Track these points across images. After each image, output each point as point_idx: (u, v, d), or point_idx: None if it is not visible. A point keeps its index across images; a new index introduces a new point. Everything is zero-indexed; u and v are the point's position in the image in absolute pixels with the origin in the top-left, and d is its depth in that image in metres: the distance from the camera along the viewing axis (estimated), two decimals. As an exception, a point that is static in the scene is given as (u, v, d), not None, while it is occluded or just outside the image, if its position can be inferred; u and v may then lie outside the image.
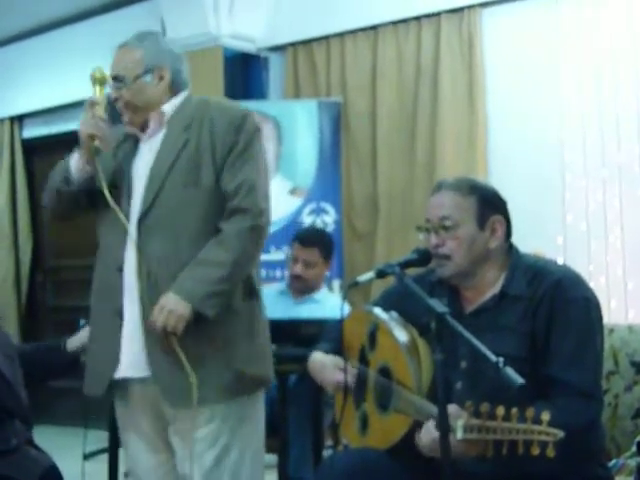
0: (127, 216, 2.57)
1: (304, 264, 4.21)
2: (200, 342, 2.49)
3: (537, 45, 4.85)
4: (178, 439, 2.58)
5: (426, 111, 5.22)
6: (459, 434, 1.98)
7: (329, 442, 3.95)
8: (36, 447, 2.91)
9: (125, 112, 2.65)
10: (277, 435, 3.52)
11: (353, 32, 5.51)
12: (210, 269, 2.47)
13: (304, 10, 5.69)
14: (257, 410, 2.66)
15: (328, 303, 4.18)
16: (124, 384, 2.59)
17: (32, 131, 7.25)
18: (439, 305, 2.07)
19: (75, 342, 2.99)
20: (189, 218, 2.54)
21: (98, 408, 3.15)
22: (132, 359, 2.54)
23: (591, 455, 2.25)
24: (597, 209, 4.62)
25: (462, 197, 2.34)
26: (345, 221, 5.41)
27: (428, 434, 2.10)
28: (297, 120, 5.32)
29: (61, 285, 7.19)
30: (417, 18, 5.25)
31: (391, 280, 2.38)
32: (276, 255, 4.94)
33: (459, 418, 2.00)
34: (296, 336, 3.45)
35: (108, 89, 2.66)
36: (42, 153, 7.28)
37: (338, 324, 2.54)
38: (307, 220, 5.21)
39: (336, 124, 5.35)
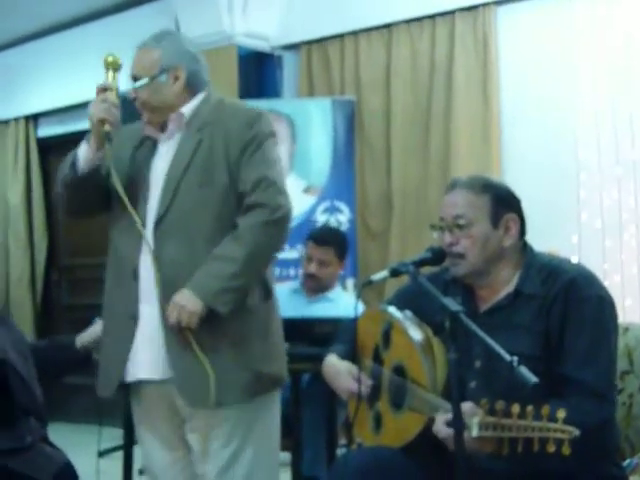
0: (143, 220, 2.57)
1: (318, 263, 4.21)
2: (218, 342, 2.50)
3: (551, 43, 4.84)
4: (194, 437, 2.59)
5: (440, 109, 5.21)
6: (474, 432, 1.98)
7: (342, 441, 3.95)
8: (51, 444, 2.92)
9: (143, 112, 2.66)
10: (291, 434, 3.52)
11: (367, 30, 5.50)
12: (223, 264, 2.48)
13: (318, 8, 5.69)
14: (273, 409, 2.67)
15: (342, 302, 4.18)
16: (140, 385, 2.60)
17: (47, 130, 7.28)
18: (453, 304, 2.07)
19: (85, 338, 3.00)
20: (204, 219, 2.54)
21: (113, 405, 3.16)
22: (150, 361, 2.55)
23: (605, 454, 2.25)
24: (612, 207, 4.61)
25: (476, 196, 2.34)
26: (359, 219, 5.40)
27: (441, 427, 2.10)
28: (311, 118, 5.32)
29: (76, 283, 7.22)
30: (431, 16, 5.24)
31: (405, 279, 2.38)
32: (290, 253, 4.94)
33: (474, 416, 1.99)
34: (310, 335, 3.45)
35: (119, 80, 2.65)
36: (57, 152, 7.29)
37: (352, 323, 2.54)
38: (321, 219, 5.21)
39: (350, 122, 5.34)
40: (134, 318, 2.55)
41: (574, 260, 2.90)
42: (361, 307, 2.76)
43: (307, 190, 5.23)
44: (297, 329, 3.45)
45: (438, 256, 2.37)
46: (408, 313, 2.44)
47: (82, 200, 2.69)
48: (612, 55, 4.60)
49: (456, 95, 5.13)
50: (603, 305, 2.23)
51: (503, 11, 5.04)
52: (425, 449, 2.24)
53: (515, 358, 1.92)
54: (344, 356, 2.56)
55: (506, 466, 2.10)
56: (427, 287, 2.21)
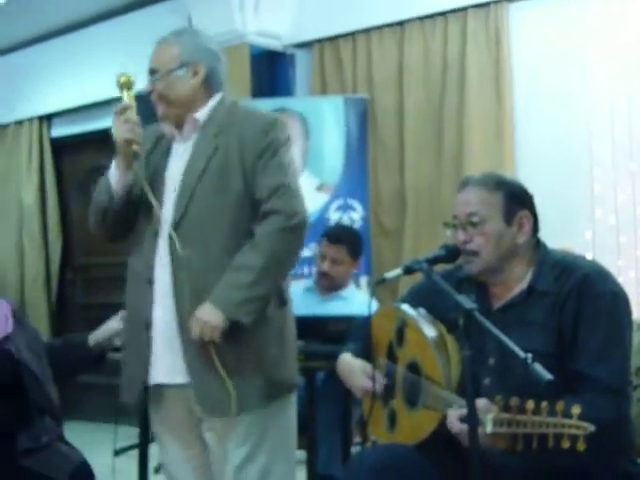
0: (159, 222, 2.58)
1: (331, 261, 4.20)
2: (235, 350, 2.51)
3: (564, 39, 4.82)
4: (210, 435, 2.61)
5: (453, 106, 5.21)
6: (489, 428, 1.98)
7: (357, 439, 3.95)
8: (67, 443, 2.94)
9: (158, 105, 2.65)
10: (306, 432, 3.52)
11: (379, 28, 5.50)
12: (242, 274, 2.48)
13: (330, 6, 5.69)
14: (289, 411, 2.68)
15: (355, 300, 4.17)
16: (158, 387, 2.61)
17: (60, 130, 7.30)
18: (467, 301, 2.07)
19: (99, 335, 3.01)
20: (219, 225, 2.55)
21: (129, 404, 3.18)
22: (168, 366, 2.56)
23: (620, 451, 2.24)
24: (626, 203, 4.59)
25: (489, 193, 2.34)
26: (372, 217, 5.40)
27: (454, 424, 2.10)
28: (324, 116, 5.32)
29: (91, 283, 7.25)
30: (443, 13, 5.23)
31: (419, 276, 2.38)
32: (303, 252, 4.95)
33: (489, 412, 2.00)
34: (324, 333, 3.45)
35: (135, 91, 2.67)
36: (71, 152, 7.34)
37: (366, 321, 2.55)
38: (334, 217, 5.21)
39: (363, 120, 5.34)
40: (148, 323, 2.57)
41: (588, 257, 2.89)
42: (375, 305, 2.76)
43: (320, 188, 5.23)
44: (311, 327, 3.45)
45: (452, 254, 2.38)
46: (422, 311, 2.45)
47: (123, 222, 2.70)
48: (625, 51, 4.58)
49: (469, 92, 5.12)
50: (617, 301, 2.23)
51: (515, 8, 5.02)
52: (440, 446, 2.24)
53: (529, 355, 1.92)
54: (358, 354, 2.56)
55: (520, 462, 2.10)
56: (441, 285, 2.21)
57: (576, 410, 1.89)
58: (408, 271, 2.32)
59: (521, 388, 2.04)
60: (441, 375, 2.25)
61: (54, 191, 7.29)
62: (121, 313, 2.97)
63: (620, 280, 2.33)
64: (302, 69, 5.93)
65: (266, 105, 5.29)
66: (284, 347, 2.62)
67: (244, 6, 5.62)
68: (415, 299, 2.54)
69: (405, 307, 2.48)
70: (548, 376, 1.89)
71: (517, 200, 2.35)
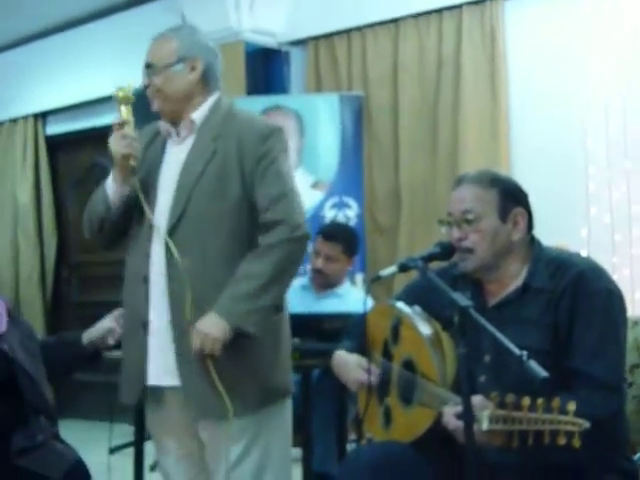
0: (151, 227, 2.58)
1: (325, 258, 4.20)
2: (230, 355, 2.50)
3: (559, 37, 4.83)
4: (205, 434, 2.61)
5: (448, 103, 5.21)
6: (485, 425, 1.98)
7: (353, 436, 3.95)
8: (62, 441, 2.93)
9: (155, 100, 2.64)
10: (301, 429, 3.52)
11: (374, 25, 5.49)
12: (248, 285, 2.47)
13: (324, 4, 5.69)
14: (283, 414, 2.68)
15: (351, 297, 4.18)
16: (154, 388, 2.61)
17: (55, 128, 7.29)
18: (462, 299, 2.07)
19: (92, 334, 3.00)
20: (217, 232, 2.54)
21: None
22: (162, 367, 2.56)
23: (616, 447, 2.25)
24: (621, 201, 4.60)
25: (483, 190, 2.34)
26: (367, 215, 5.40)
27: (450, 420, 2.10)
28: (319, 114, 5.32)
29: (86, 281, 7.24)
30: (438, 10, 5.23)
31: (414, 274, 2.38)
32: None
33: (485, 409, 2.00)
34: (319, 330, 3.45)
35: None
36: (66, 149, 7.33)
37: (361, 319, 2.54)
38: (329, 214, 5.21)
39: (358, 118, 5.34)
40: (144, 325, 2.57)
41: (583, 254, 2.90)
42: (370, 302, 2.77)
43: (315, 185, 5.23)
44: (306, 325, 3.45)
45: (447, 251, 2.37)
46: (417, 308, 2.44)
47: (120, 231, 2.71)
48: (620, 48, 4.58)
49: (464, 89, 5.12)
50: (612, 298, 2.23)
51: (510, 5, 5.03)
52: (435, 444, 2.24)
53: (525, 352, 1.92)
54: (353, 352, 2.56)
55: (516, 459, 2.10)
56: (436, 282, 2.21)
57: (572, 407, 1.89)
58: (403, 269, 2.31)
59: (516, 385, 2.04)
60: (436, 372, 2.25)
61: (49, 189, 7.28)
62: (115, 312, 2.97)
63: (615, 278, 2.34)
64: (297, 66, 5.93)
65: (261, 102, 5.30)
66: (279, 353, 2.62)
67: (239, 3, 5.61)
68: (410, 297, 2.54)
69: (400, 305, 2.48)
70: (543, 373, 1.89)
71: (512, 197, 2.35)
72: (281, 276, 2.54)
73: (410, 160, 5.36)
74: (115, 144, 2.58)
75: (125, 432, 4.10)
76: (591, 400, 2.08)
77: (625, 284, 4.33)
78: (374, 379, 2.45)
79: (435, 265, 2.42)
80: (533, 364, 1.91)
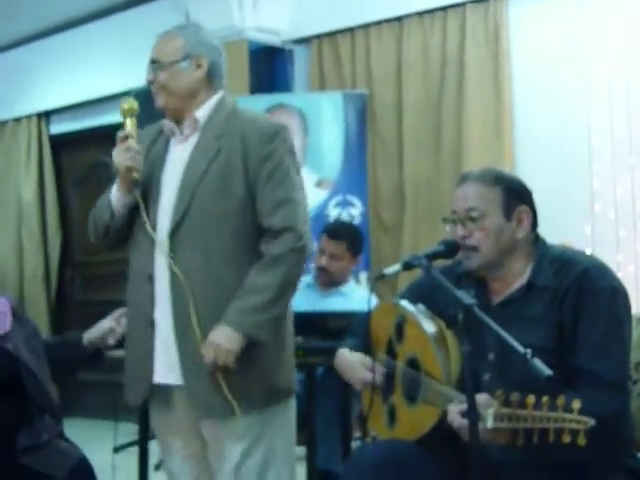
0: (154, 221, 2.57)
1: (330, 256, 4.20)
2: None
3: (563, 35, 4.82)
4: (208, 433, 2.61)
5: (452, 101, 5.21)
6: (490, 423, 1.97)
7: (357, 434, 3.95)
8: (67, 440, 2.93)
9: (159, 95, 2.63)
10: (305, 427, 3.52)
11: (378, 23, 5.50)
12: (259, 296, 2.47)
13: (328, 2, 5.69)
14: (287, 413, 2.67)
15: (355, 296, 4.17)
16: (158, 386, 2.60)
17: (59, 127, 7.30)
18: (466, 297, 2.07)
19: (92, 334, 3.00)
20: (220, 231, 2.53)
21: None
22: (166, 366, 2.56)
23: (620, 445, 2.24)
24: (625, 197, 4.59)
25: (487, 188, 2.34)
26: (371, 213, 5.40)
27: (455, 418, 2.09)
28: (323, 112, 5.32)
29: (90, 280, 7.24)
30: (442, 9, 5.23)
31: (418, 272, 2.38)
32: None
33: (489, 407, 1.99)
34: (324, 329, 3.45)
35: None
36: (70, 148, 7.34)
37: (365, 317, 2.54)
38: (333, 213, 5.21)
39: (362, 116, 5.34)
40: (151, 324, 2.56)
41: (587, 251, 2.90)
42: (374, 300, 2.76)
43: (319, 184, 5.23)
44: (311, 323, 3.45)
45: (451, 249, 2.37)
46: (421, 306, 2.44)
47: (125, 235, 2.71)
48: (624, 45, 4.58)
49: (468, 87, 5.12)
50: (616, 296, 2.22)
51: (514, 3, 5.03)
52: (440, 442, 2.24)
53: (529, 350, 1.92)
54: (357, 350, 2.56)
55: (521, 457, 2.10)
56: (440, 280, 2.21)
57: (576, 405, 1.89)
58: (407, 267, 2.31)
59: (521, 383, 2.04)
60: (441, 371, 2.25)
61: (53, 188, 7.29)
62: (115, 312, 2.97)
63: (619, 275, 2.34)
64: (301, 65, 5.93)
65: (265, 101, 5.30)
66: (283, 352, 2.61)
67: (243, 2, 5.62)
68: (414, 295, 2.53)
69: (404, 303, 2.48)
70: (548, 371, 1.89)
71: (516, 195, 2.35)
72: (288, 288, 2.55)
73: (414, 158, 5.36)
74: (119, 157, 2.58)
75: (130, 431, 4.11)
76: (596, 398, 2.07)
77: (630, 281, 4.33)
78: (378, 378, 2.45)
79: (439, 263, 2.42)
80: (537, 362, 1.91)
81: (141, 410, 3.54)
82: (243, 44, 5.69)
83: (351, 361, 2.53)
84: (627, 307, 2.25)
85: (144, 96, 2.68)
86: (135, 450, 3.92)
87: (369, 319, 2.54)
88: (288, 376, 2.64)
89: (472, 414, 1.99)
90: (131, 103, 2.65)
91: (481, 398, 2.04)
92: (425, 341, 2.32)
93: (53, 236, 7.27)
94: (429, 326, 2.35)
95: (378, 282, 2.42)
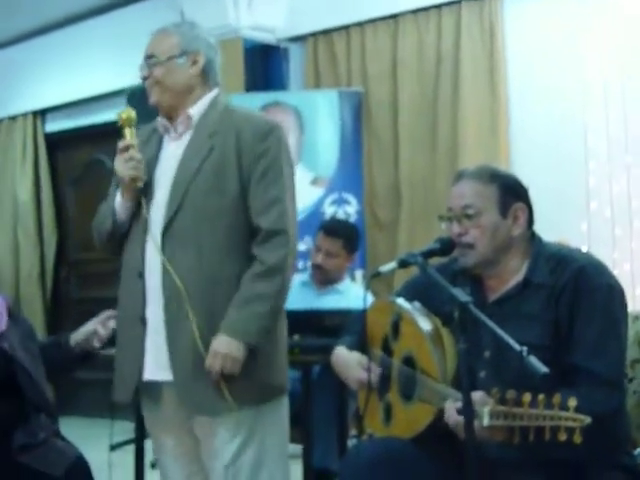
0: (147, 222, 2.57)
1: (325, 254, 4.20)
2: None
3: (559, 32, 4.82)
4: (200, 431, 2.61)
5: (447, 99, 5.21)
6: (485, 421, 1.97)
7: (353, 432, 3.95)
8: (63, 439, 2.93)
9: (153, 91, 2.63)
10: (301, 425, 3.52)
11: (373, 21, 5.50)
12: (259, 305, 2.49)
13: (323, 0, 5.68)
14: (280, 410, 2.66)
15: (351, 293, 4.18)
16: (148, 383, 2.60)
17: (55, 125, 7.29)
18: (462, 294, 2.07)
19: (78, 336, 2.99)
20: (213, 229, 2.53)
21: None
22: (156, 362, 2.55)
23: (617, 443, 2.24)
24: (621, 195, 4.60)
25: (483, 185, 2.34)
26: (367, 211, 5.40)
27: (451, 415, 2.09)
28: (318, 110, 5.32)
29: (85, 278, 7.24)
30: (437, 6, 5.23)
31: (414, 270, 2.38)
32: (299, 246, 4.95)
33: (485, 405, 1.99)
34: (320, 327, 3.45)
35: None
36: (65, 147, 7.33)
37: (361, 315, 2.54)
38: (329, 211, 5.21)
39: (357, 114, 5.34)
40: (142, 321, 2.56)
41: (583, 249, 2.90)
42: (370, 298, 2.76)
43: (315, 182, 5.23)
44: (307, 321, 3.45)
45: (447, 247, 2.37)
46: (417, 304, 2.44)
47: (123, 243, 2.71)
48: (620, 43, 4.58)
49: (463, 85, 5.12)
50: (613, 294, 2.22)
51: (509, 0, 5.02)
52: (436, 440, 2.24)
53: (525, 348, 1.92)
54: (353, 348, 2.56)
55: (517, 455, 2.10)
56: (436, 278, 2.21)
57: (572, 403, 1.89)
58: (403, 264, 2.31)
59: (517, 381, 2.04)
60: (437, 368, 2.25)
61: (49, 187, 7.28)
62: (102, 314, 2.97)
63: (615, 272, 2.34)
64: (296, 63, 5.93)
65: (260, 99, 5.30)
66: (276, 351, 2.62)
67: (237, 0, 5.60)
68: (410, 293, 2.53)
69: (400, 301, 2.48)
70: (543, 369, 1.89)
71: (512, 192, 2.35)
72: (285, 293, 2.57)
73: (410, 156, 5.36)
74: (121, 167, 2.58)
75: (126, 429, 4.10)
76: (592, 396, 2.07)
77: (626, 279, 4.34)
78: (374, 378, 2.45)
79: (435, 261, 2.42)
80: (533, 360, 1.90)
81: (136, 408, 3.53)
82: (238, 42, 5.69)
83: (347, 360, 2.53)
84: (623, 305, 2.25)
85: (139, 95, 2.67)
86: (131, 448, 3.92)
87: (365, 317, 2.54)
88: (281, 374, 2.64)
89: (468, 412, 1.99)
90: (129, 113, 2.65)
91: (477, 396, 2.03)
92: (421, 339, 2.32)
93: (49, 235, 7.26)
94: (425, 324, 2.35)
95: (374, 280, 2.42)
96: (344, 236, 4.25)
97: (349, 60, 5.62)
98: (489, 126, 5.05)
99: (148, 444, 3.42)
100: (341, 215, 5.17)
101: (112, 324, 2.93)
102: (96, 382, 5.33)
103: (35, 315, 7.00)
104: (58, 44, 6.90)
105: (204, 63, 2.64)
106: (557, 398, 1.91)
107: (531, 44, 4.97)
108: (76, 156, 7.23)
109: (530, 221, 2.37)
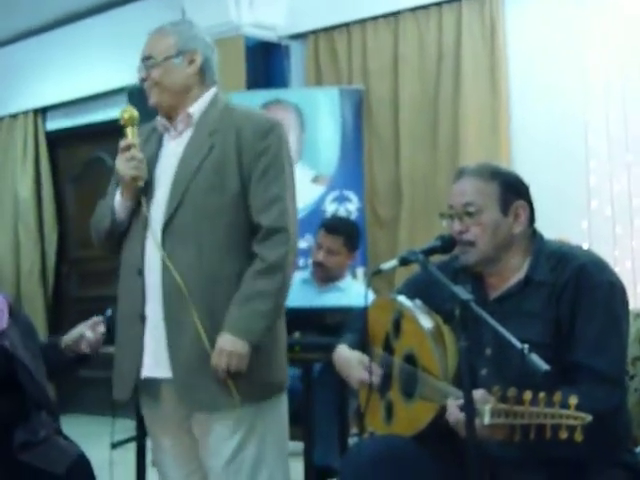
0: (147, 219, 2.57)
1: (326, 251, 4.20)
2: None
3: (560, 30, 4.82)
4: (198, 429, 2.60)
5: (448, 97, 5.21)
6: (486, 419, 1.97)
7: (354, 430, 3.95)
8: (65, 437, 2.94)
9: (152, 93, 2.63)
10: (303, 423, 3.53)
11: (374, 19, 5.49)
12: (261, 303, 2.49)
13: (324, -2, 5.69)
14: (279, 407, 2.66)
15: (352, 291, 4.17)
16: (146, 381, 2.60)
17: (55, 123, 7.29)
18: (463, 292, 2.07)
19: (67, 339, 2.98)
20: (213, 227, 2.53)
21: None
22: (157, 360, 2.55)
23: (617, 441, 2.24)
24: (622, 194, 4.60)
25: (484, 183, 2.33)
26: (368, 208, 5.40)
27: (453, 413, 2.10)
28: (319, 108, 5.31)
29: (86, 276, 7.25)
30: (438, 4, 5.23)
31: (415, 267, 2.38)
32: (299, 244, 4.95)
33: (486, 403, 1.99)
34: (321, 324, 3.45)
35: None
36: (66, 145, 7.33)
37: (362, 313, 2.54)
38: (330, 208, 5.21)
39: (358, 111, 5.33)
40: (142, 317, 2.56)
41: (585, 247, 2.89)
42: (371, 296, 2.76)
43: (316, 179, 5.23)
44: (308, 319, 3.45)
45: (448, 244, 2.37)
46: (418, 302, 2.44)
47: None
48: (621, 41, 4.58)
49: (464, 83, 5.12)
50: (614, 291, 2.22)
51: (510, -3, 5.03)
52: (437, 438, 2.24)
53: (526, 346, 1.92)
54: (354, 346, 2.56)
55: (518, 453, 2.10)
56: (437, 275, 2.21)
57: (573, 401, 1.89)
58: (404, 262, 2.31)
59: (518, 379, 2.04)
60: (438, 366, 2.25)
61: (49, 184, 7.29)
62: (90, 320, 2.97)
63: (616, 270, 2.33)
64: (297, 60, 5.93)
65: (261, 97, 5.30)
66: (275, 349, 2.62)
67: (239, -2, 5.62)
68: (411, 290, 2.53)
69: (401, 298, 2.48)
70: (545, 367, 1.89)
71: (513, 190, 2.34)
72: (287, 291, 2.58)
73: (410, 153, 5.36)
74: (123, 166, 2.58)
75: (127, 427, 4.09)
76: (593, 394, 2.07)
77: (627, 276, 4.33)
78: (375, 379, 2.45)
79: (436, 258, 2.42)
80: (534, 357, 1.90)
81: (138, 406, 3.54)
82: (239, 40, 5.68)
83: (349, 359, 2.53)
84: (625, 302, 2.25)
85: (139, 93, 2.67)
86: (133, 446, 3.92)
87: (366, 315, 2.54)
88: (280, 371, 2.64)
89: (469, 410, 1.99)
90: (131, 112, 2.65)
91: (478, 394, 2.03)
92: (422, 337, 2.32)
93: (50, 232, 7.27)
94: (426, 322, 2.35)
95: (375, 277, 2.42)
96: (345, 234, 4.25)
97: (350, 58, 5.62)
98: (490, 124, 5.05)
99: (149, 442, 3.43)
100: (342, 213, 5.17)
101: (101, 329, 2.93)
102: (97, 380, 5.32)
103: (36, 312, 7.00)
104: (59, 42, 6.90)
105: (201, 62, 2.64)
106: (558, 396, 1.91)
107: (532, 42, 4.96)
108: (77, 154, 7.23)
109: (531, 219, 2.37)
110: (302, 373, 3.52)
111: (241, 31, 5.68)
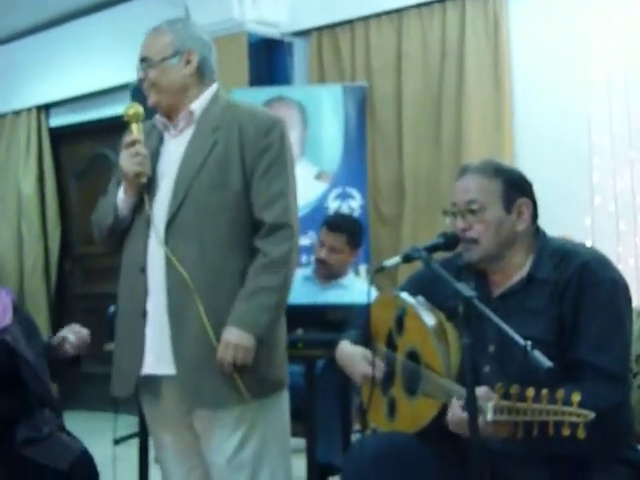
0: (150, 217, 2.57)
1: (329, 249, 4.20)
2: None
3: (563, 27, 4.82)
4: (199, 425, 2.61)
5: (451, 94, 5.20)
6: (489, 416, 1.97)
7: (357, 427, 3.95)
8: (68, 433, 2.94)
9: (150, 93, 2.63)
10: (305, 420, 3.53)
11: (377, 16, 5.49)
12: (266, 297, 2.50)
13: (327, -6, 5.68)
14: (280, 404, 2.66)
15: (355, 288, 4.17)
16: (150, 378, 2.60)
17: (59, 120, 7.30)
18: (466, 289, 2.07)
19: (54, 342, 2.98)
20: (216, 224, 2.54)
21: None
22: (157, 356, 2.55)
23: (620, 438, 2.24)
24: (625, 190, 4.59)
25: (488, 180, 2.33)
26: (371, 205, 5.40)
27: (455, 412, 2.10)
28: (322, 105, 5.31)
29: (89, 272, 7.25)
30: (441, 1, 5.23)
31: (418, 264, 2.38)
32: (301, 240, 4.94)
33: (489, 400, 1.99)
34: (323, 321, 3.45)
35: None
36: (69, 141, 7.34)
37: (365, 310, 2.54)
38: (333, 205, 5.21)
39: (361, 108, 5.33)
40: (144, 314, 2.56)
41: (587, 244, 2.90)
42: (374, 293, 2.76)
43: (319, 176, 5.23)
44: (311, 316, 3.45)
45: (451, 241, 2.37)
46: (420, 299, 2.44)
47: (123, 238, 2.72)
48: (625, 38, 4.57)
49: (467, 80, 5.12)
50: (617, 288, 2.22)
51: (514, -6, 5.02)
52: (439, 435, 2.24)
53: (529, 342, 1.92)
54: (357, 342, 2.56)
55: (521, 450, 2.11)
56: (440, 272, 2.21)
57: (576, 397, 1.89)
58: (407, 259, 2.31)
59: (521, 376, 2.04)
60: (441, 363, 2.25)
61: (53, 181, 7.29)
62: (73, 326, 2.97)
63: (619, 267, 2.34)
64: (300, 57, 5.92)
65: (264, 93, 5.30)
66: (276, 346, 2.62)
67: (242, -5, 5.61)
68: (414, 287, 2.53)
69: (404, 295, 2.48)
70: (548, 363, 1.89)
71: (516, 187, 2.34)
72: (290, 286, 2.59)
73: (414, 150, 5.35)
74: (126, 162, 2.58)
75: (130, 423, 4.11)
76: (596, 391, 2.07)
77: (630, 273, 4.34)
78: (379, 373, 2.45)
79: (439, 256, 2.42)
80: (538, 354, 1.90)
81: (140, 402, 3.54)
82: (242, 37, 5.68)
83: (352, 355, 2.53)
84: (628, 299, 2.25)
85: (139, 93, 2.67)
86: (135, 442, 3.92)
87: (369, 311, 2.54)
88: (280, 368, 2.64)
89: (472, 407, 1.99)
90: (136, 108, 2.65)
91: (481, 391, 2.03)
92: (425, 333, 2.32)
93: (53, 229, 7.27)
94: (429, 318, 2.35)
95: (378, 274, 2.42)
96: (348, 231, 4.24)
97: (353, 55, 5.61)
98: (493, 121, 5.04)
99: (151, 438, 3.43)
100: (345, 210, 5.17)
101: (85, 332, 2.94)
102: (100, 376, 5.33)
103: (39, 309, 7.02)
104: (62, 39, 6.90)
105: (198, 62, 2.63)
106: (561, 393, 1.91)
107: (535, 39, 4.96)
108: (80, 150, 7.24)
109: (534, 216, 2.37)
110: (305, 370, 3.52)
111: (244, 28, 5.67)
